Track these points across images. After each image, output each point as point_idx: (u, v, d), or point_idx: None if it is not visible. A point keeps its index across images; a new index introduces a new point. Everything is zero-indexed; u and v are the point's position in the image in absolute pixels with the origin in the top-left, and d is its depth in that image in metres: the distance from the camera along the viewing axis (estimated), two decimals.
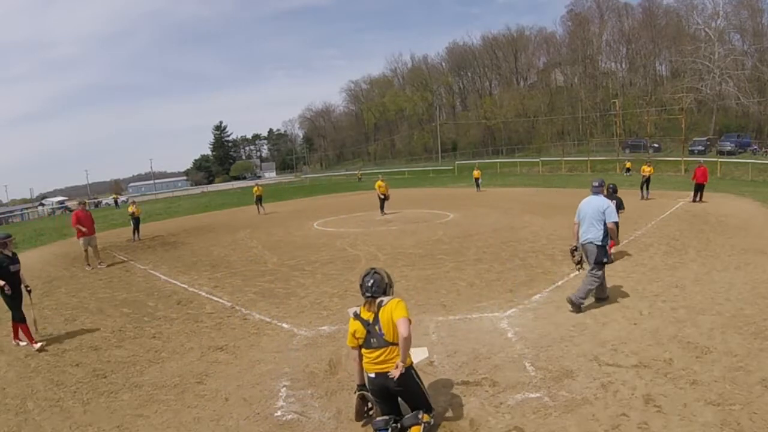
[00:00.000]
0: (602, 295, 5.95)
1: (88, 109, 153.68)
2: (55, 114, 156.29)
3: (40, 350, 5.74)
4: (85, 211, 11.69)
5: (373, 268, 3.45)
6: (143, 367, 4.99)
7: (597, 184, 6.00)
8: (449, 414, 3.68)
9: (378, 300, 3.33)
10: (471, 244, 10.59)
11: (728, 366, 4.13)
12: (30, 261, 13.13)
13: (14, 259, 6.05)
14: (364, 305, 3.38)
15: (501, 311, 5.97)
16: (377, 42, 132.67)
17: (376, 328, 3.28)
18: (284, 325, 5.99)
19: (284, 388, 4.26)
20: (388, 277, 3.40)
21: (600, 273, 5.67)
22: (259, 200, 22.27)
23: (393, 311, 3.27)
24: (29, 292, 6.07)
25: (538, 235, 11.27)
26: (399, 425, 3.34)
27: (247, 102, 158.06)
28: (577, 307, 5.60)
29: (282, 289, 7.80)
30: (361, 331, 3.33)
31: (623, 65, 55.67)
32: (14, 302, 5.86)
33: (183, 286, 8.54)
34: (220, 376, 4.65)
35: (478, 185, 26.23)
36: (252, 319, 6.31)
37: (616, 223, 5.66)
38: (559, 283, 7.11)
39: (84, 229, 11.11)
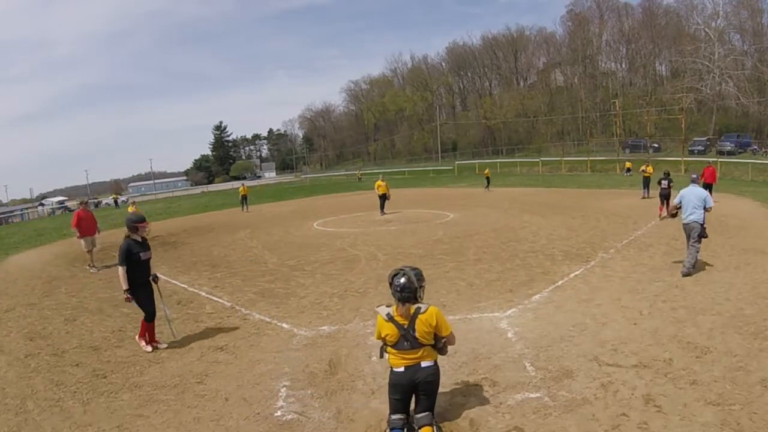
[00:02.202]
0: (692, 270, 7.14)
1: (88, 109, 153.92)
2: (55, 114, 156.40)
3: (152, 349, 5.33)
4: (86, 212, 11.42)
5: (402, 269, 3.36)
6: (143, 367, 4.99)
7: (695, 176, 8.03)
8: (449, 414, 3.68)
9: (415, 306, 3.31)
10: (471, 244, 10.60)
11: (728, 366, 4.13)
12: (30, 261, 13.14)
13: (145, 246, 5.34)
14: (397, 307, 3.33)
15: (501, 311, 5.97)
16: (377, 42, 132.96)
17: (411, 333, 3.28)
18: (284, 325, 5.98)
19: (284, 388, 4.26)
20: (418, 279, 3.31)
21: (700, 245, 7.23)
22: (244, 199, 23.74)
23: (438, 325, 3.32)
24: (156, 281, 5.44)
25: (537, 235, 11.27)
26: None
27: (247, 102, 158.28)
28: (689, 273, 7.05)
29: (282, 289, 7.80)
30: (394, 335, 3.31)
31: (623, 65, 55.75)
32: (147, 299, 5.31)
33: (183, 286, 8.54)
34: (220, 376, 4.65)
35: (488, 184, 26.25)
36: (252, 319, 6.31)
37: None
38: (559, 283, 7.11)
39: (77, 233, 10.91)
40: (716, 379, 3.91)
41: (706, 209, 7.20)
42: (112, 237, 17.32)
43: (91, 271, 10.69)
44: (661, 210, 13.04)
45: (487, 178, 26.72)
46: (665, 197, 13.14)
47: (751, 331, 4.85)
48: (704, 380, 3.90)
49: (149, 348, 5.42)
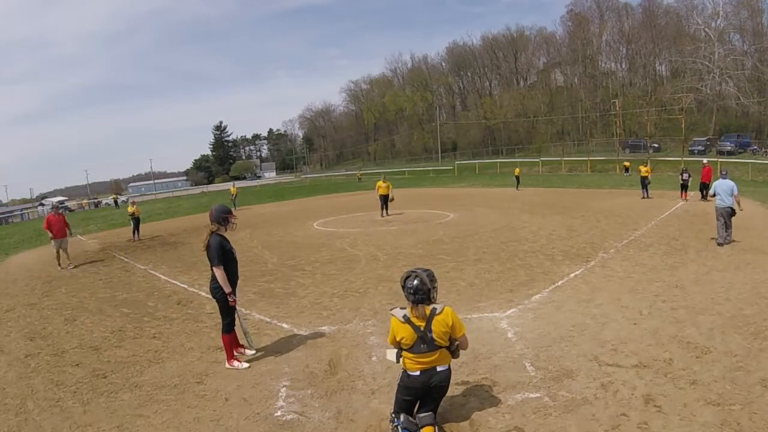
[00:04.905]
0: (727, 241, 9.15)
1: (88, 109, 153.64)
2: (55, 114, 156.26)
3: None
4: (56, 216, 11.91)
5: (414, 270, 3.37)
6: (143, 367, 4.99)
7: (725, 173, 9.78)
8: (449, 414, 3.68)
9: (431, 307, 3.32)
10: (471, 244, 10.59)
11: (728, 366, 4.13)
12: (30, 261, 13.14)
13: (229, 241, 4.75)
14: (412, 309, 3.32)
15: (501, 311, 5.97)
16: (378, 42, 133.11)
17: (429, 334, 3.27)
18: (284, 325, 5.98)
19: (284, 388, 4.26)
20: (430, 280, 3.33)
21: (731, 223, 9.22)
22: (235, 198, 25.77)
23: (453, 325, 3.32)
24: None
25: (537, 235, 11.28)
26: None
27: (247, 102, 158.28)
28: (729, 242, 9.09)
29: (282, 289, 7.80)
30: (411, 337, 3.29)
31: (623, 65, 55.75)
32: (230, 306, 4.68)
33: (183, 286, 8.54)
34: (220, 376, 4.65)
35: (518, 183, 26.07)
36: (252, 319, 6.30)
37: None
38: (559, 283, 7.11)
39: (50, 235, 11.54)
40: (716, 379, 3.91)
41: (735, 197, 9.13)
42: (113, 237, 17.38)
43: (58, 269, 11.16)
44: (683, 196, 17.01)
45: (517, 177, 26.30)
46: (685, 186, 17.06)
47: (751, 331, 4.85)
48: (704, 380, 3.90)
49: (246, 365, 4.76)
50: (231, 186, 27.01)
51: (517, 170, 27.30)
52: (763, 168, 27.16)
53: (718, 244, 9.07)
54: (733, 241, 9.20)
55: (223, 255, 4.56)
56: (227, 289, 4.59)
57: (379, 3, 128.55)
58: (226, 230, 4.73)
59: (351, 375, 4.44)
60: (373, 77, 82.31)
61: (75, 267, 11.35)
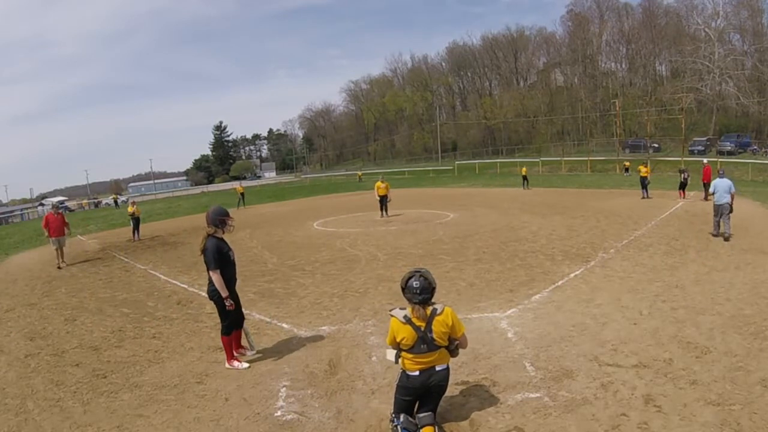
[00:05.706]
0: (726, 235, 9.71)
1: (88, 109, 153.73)
2: (55, 114, 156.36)
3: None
4: (55, 215, 12.12)
5: (418, 271, 3.36)
6: (143, 367, 4.98)
7: (722, 172, 10.55)
8: (449, 414, 3.68)
9: (431, 307, 3.31)
10: (471, 244, 10.59)
11: (728, 366, 4.13)
12: (30, 261, 13.14)
13: (227, 244, 4.71)
14: (413, 309, 3.31)
15: (501, 311, 5.97)
16: (378, 42, 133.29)
17: (429, 335, 3.27)
18: (284, 325, 5.98)
19: (284, 388, 4.26)
20: (433, 280, 3.34)
21: (729, 218, 9.82)
22: (242, 197, 26.56)
23: (453, 325, 3.31)
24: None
25: (537, 235, 11.27)
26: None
27: (247, 102, 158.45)
28: (729, 237, 9.55)
29: (282, 289, 7.80)
30: (411, 338, 3.28)
31: (623, 65, 55.76)
32: (234, 310, 4.69)
33: (183, 286, 8.54)
34: (220, 376, 4.64)
35: (525, 182, 25.99)
36: (252, 319, 6.30)
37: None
38: (559, 283, 7.11)
39: (46, 232, 11.79)
40: (716, 379, 3.91)
41: (732, 194, 9.77)
42: (113, 237, 17.39)
43: (60, 271, 11.21)
44: (680, 194, 17.41)
45: (524, 176, 26.21)
46: (683, 185, 17.55)
47: (751, 331, 4.85)
48: (704, 380, 3.90)
49: (246, 365, 4.76)
50: (237, 185, 27.02)
51: (524, 170, 27.30)
52: (763, 168, 27.16)
53: (714, 236, 9.80)
54: (732, 235, 9.59)
55: (219, 258, 4.51)
56: (224, 293, 4.54)
57: (379, 3, 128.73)
58: (223, 233, 4.69)
59: (351, 375, 4.44)
60: (373, 77, 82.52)
61: (70, 265, 11.47)
